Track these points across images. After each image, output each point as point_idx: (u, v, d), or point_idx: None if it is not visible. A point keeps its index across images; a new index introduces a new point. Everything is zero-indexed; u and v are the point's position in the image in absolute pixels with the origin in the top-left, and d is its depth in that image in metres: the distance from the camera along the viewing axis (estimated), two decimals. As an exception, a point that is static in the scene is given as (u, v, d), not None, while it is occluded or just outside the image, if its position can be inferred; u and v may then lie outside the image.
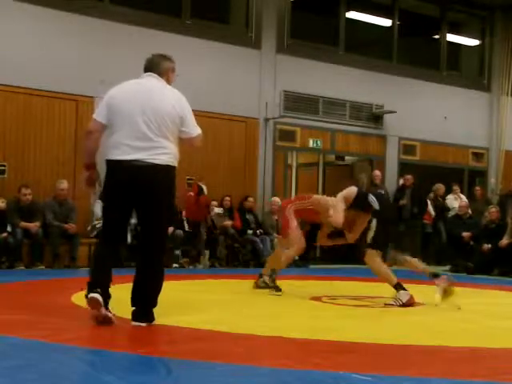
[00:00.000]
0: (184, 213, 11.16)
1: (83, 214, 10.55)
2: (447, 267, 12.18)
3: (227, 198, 11.76)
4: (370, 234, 6.51)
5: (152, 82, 4.61)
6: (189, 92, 13.55)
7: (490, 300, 7.59)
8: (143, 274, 4.55)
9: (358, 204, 6.57)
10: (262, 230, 11.90)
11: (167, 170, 4.50)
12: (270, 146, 12.75)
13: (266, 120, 12.62)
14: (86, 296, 4.42)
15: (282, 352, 3.99)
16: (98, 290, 4.39)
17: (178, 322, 4.75)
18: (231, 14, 13.13)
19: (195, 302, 6.23)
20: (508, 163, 15.39)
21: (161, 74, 4.65)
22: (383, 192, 6.90)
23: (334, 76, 13.36)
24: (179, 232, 10.95)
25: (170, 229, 10.82)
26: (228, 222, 11.59)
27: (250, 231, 11.81)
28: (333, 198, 6.93)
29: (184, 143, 4.66)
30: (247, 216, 11.94)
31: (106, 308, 4.44)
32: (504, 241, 11.30)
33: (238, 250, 11.68)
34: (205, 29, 12.08)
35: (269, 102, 12.57)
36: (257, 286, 7.42)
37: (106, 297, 4.45)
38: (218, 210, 11.59)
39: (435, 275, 6.46)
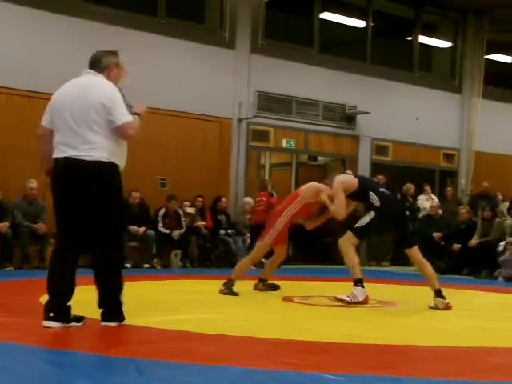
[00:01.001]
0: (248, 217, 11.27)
1: (52, 214, 10.41)
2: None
3: (199, 199, 11.71)
4: (362, 221, 6.31)
5: (86, 78, 4.55)
6: (162, 91, 13.57)
7: (461, 300, 7.65)
8: (97, 275, 4.47)
9: (358, 198, 6.44)
10: (234, 231, 11.87)
11: (99, 165, 4.37)
12: (243, 146, 12.73)
13: (240, 120, 12.59)
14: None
15: (254, 352, 3.97)
16: (51, 314, 4.33)
17: (148, 322, 4.72)
18: (206, 13, 13.08)
19: (166, 302, 6.19)
20: (478, 164, 15.55)
21: (101, 70, 4.56)
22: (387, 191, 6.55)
23: (307, 76, 13.38)
24: (151, 232, 10.88)
25: (142, 229, 10.78)
26: (200, 223, 11.54)
27: (222, 231, 11.78)
28: (322, 184, 6.85)
29: (117, 134, 4.44)
30: (220, 216, 11.90)
31: (69, 321, 4.39)
32: (473, 241, 11.42)
33: (210, 250, 11.64)
34: (180, 28, 12.03)
35: (242, 102, 12.55)
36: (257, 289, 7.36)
37: (66, 312, 4.40)
38: (189, 209, 11.54)
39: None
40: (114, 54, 4.69)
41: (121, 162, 4.56)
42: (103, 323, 4.45)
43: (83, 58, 4.51)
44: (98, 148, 4.36)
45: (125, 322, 4.50)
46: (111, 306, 4.48)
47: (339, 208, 6.33)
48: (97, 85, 4.48)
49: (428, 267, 6.37)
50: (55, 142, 4.46)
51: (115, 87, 4.51)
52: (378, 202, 6.24)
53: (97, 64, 4.59)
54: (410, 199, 13.56)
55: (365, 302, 6.16)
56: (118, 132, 4.42)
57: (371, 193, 6.29)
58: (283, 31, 13.61)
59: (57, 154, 4.44)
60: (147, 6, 12.11)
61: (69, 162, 4.37)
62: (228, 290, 6.88)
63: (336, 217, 6.45)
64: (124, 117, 4.41)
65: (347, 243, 6.31)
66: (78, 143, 4.36)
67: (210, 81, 12.24)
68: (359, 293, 6.17)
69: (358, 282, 6.22)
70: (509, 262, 10.32)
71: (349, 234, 6.34)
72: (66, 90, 4.55)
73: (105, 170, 4.40)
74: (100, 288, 4.47)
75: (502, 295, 8.35)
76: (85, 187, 4.37)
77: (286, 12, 14.12)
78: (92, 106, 4.37)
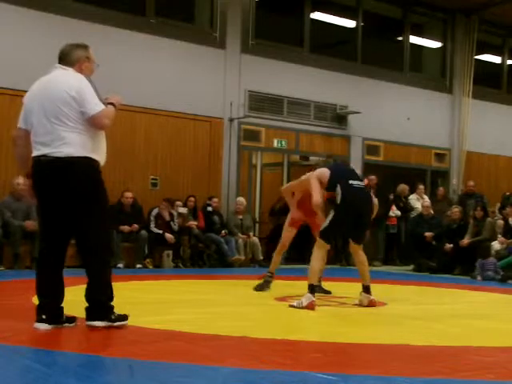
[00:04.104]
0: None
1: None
2: (410, 267, 12.34)
3: (191, 199, 11.71)
4: (324, 224, 6.21)
5: (54, 73, 4.47)
6: (153, 91, 13.57)
7: (451, 299, 7.69)
8: (86, 273, 4.40)
9: (330, 190, 6.26)
10: (226, 231, 11.87)
11: (73, 161, 4.26)
12: (234, 146, 12.73)
13: (231, 120, 12.59)
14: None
15: (246, 352, 3.97)
16: (44, 316, 4.31)
17: (141, 322, 4.71)
18: (196, 13, 13.07)
19: (158, 302, 6.18)
20: (469, 164, 15.63)
21: (71, 64, 4.47)
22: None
23: (298, 76, 13.40)
24: (143, 232, 10.86)
25: (135, 226, 10.73)
26: (192, 223, 11.54)
27: (214, 231, 11.77)
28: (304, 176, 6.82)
29: (92, 125, 4.31)
30: (212, 216, 11.90)
31: (62, 322, 4.37)
32: (465, 240, 11.46)
33: (203, 250, 11.64)
34: (169, 28, 12.01)
35: (233, 102, 12.55)
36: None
37: (57, 313, 4.37)
38: (182, 209, 11.53)
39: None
40: (84, 47, 4.60)
41: (99, 157, 4.43)
42: (87, 322, 4.34)
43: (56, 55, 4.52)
44: (71, 143, 4.26)
45: (121, 323, 4.41)
46: (96, 305, 4.35)
47: (314, 194, 6.25)
48: (62, 78, 4.38)
49: (366, 265, 6.44)
50: (32, 142, 4.39)
51: (83, 78, 4.39)
52: (340, 198, 6.11)
53: (65, 58, 4.50)
54: (404, 199, 13.61)
55: (309, 307, 5.88)
56: (92, 122, 4.30)
57: (338, 186, 6.17)
58: (274, 31, 13.61)
59: (33, 153, 4.37)
60: (136, 5, 12.07)
61: (42, 160, 4.30)
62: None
63: (315, 204, 6.28)
64: (97, 106, 4.29)
65: (315, 248, 6.25)
66: (50, 140, 4.28)
67: (201, 80, 12.23)
68: (306, 299, 5.92)
69: (311, 288, 6.00)
70: (489, 265, 10.37)
71: (317, 240, 6.28)
72: (34, 88, 4.48)
73: (79, 166, 4.28)
74: (88, 286, 4.38)
75: (490, 294, 8.39)
76: (61, 184, 4.28)
77: (276, 12, 14.14)
78: (60, 100, 4.27)
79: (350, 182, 6.27)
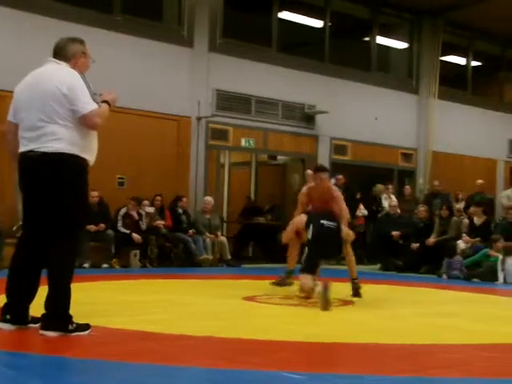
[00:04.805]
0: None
1: (9, 213, 10.23)
2: (378, 266, 12.43)
3: (158, 198, 11.63)
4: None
5: (46, 67, 4.34)
6: (120, 89, 13.37)
7: (418, 297, 7.76)
8: (48, 278, 4.19)
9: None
10: (194, 230, 11.82)
11: (59, 157, 4.12)
12: (202, 145, 12.68)
13: (199, 119, 12.55)
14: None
15: (214, 352, 3.96)
16: (8, 316, 4.21)
17: (108, 322, 4.66)
18: (163, 11, 12.99)
19: (126, 302, 6.13)
20: (435, 163, 15.80)
21: (67, 58, 4.32)
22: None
23: (266, 76, 13.41)
24: (110, 232, 10.77)
25: (102, 226, 10.65)
26: (160, 222, 11.47)
27: (182, 231, 11.71)
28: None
29: (83, 124, 4.17)
30: (179, 216, 11.84)
31: (26, 323, 4.27)
32: (431, 239, 11.59)
33: (170, 249, 11.58)
34: (136, 26, 11.92)
35: (201, 101, 12.50)
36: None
37: (23, 314, 4.26)
38: (149, 209, 11.46)
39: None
40: (80, 41, 4.47)
41: (89, 155, 4.29)
42: (40, 331, 4.10)
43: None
44: (59, 139, 4.12)
45: (80, 333, 4.18)
46: (53, 315, 4.14)
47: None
48: (54, 73, 4.24)
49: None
50: (19, 137, 4.27)
51: (76, 74, 4.26)
52: (310, 234, 6.69)
53: (60, 52, 4.36)
54: (378, 200, 13.71)
55: None
56: (84, 122, 4.17)
57: (310, 226, 6.73)
58: (242, 30, 13.60)
59: (20, 149, 4.25)
60: (103, 2, 11.96)
61: (29, 155, 4.18)
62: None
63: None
64: (88, 105, 4.15)
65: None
66: (38, 135, 4.15)
67: (168, 79, 12.17)
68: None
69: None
70: (455, 263, 10.52)
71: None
72: (25, 81, 4.35)
73: (63, 162, 4.14)
74: (48, 294, 4.17)
75: (456, 292, 8.49)
76: (43, 180, 4.15)
77: (244, 11, 14.13)
78: (51, 96, 4.14)
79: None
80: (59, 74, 4.23)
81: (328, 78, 14.28)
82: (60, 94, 4.14)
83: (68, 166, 4.17)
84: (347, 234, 6.80)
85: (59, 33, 10.68)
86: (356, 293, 6.96)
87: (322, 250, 6.67)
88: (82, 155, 4.23)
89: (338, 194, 7.11)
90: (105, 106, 4.29)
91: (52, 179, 4.16)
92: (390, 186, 14.08)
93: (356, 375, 3.43)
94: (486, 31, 16.51)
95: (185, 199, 11.98)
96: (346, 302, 6.57)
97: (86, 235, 10.40)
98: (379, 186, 13.86)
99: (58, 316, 4.15)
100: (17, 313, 4.27)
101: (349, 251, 7.08)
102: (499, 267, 9.92)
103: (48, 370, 3.38)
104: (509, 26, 15.83)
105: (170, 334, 4.38)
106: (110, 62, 11.44)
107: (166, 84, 12.11)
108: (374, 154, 15.10)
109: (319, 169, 7.34)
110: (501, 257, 9.97)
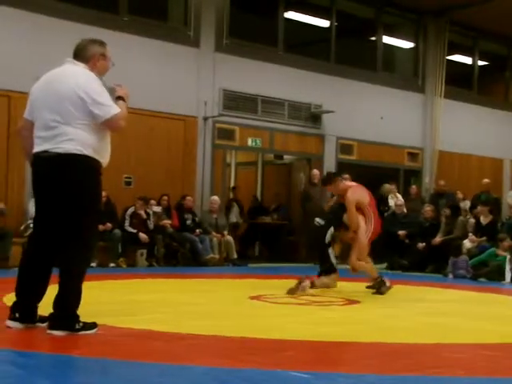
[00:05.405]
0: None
1: (17, 212, 10.30)
2: (383, 265, 12.42)
3: (165, 197, 11.66)
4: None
5: (63, 67, 4.35)
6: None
7: (423, 297, 7.76)
8: (59, 279, 4.21)
9: None
10: (201, 230, 11.85)
11: (71, 158, 4.12)
12: (208, 145, 12.71)
13: (205, 119, 12.57)
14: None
15: (220, 351, 3.98)
16: (17, 315, 4.25)
17: (114, 321, 4.69)
18: (169, 11, 13.02)
19: (132, 301, 6.16)
20: (441, 163, 15.78)
21: (85, 60, 4.33)
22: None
23: (272, 75, 13.41)
24: (117, 231, 10.81)
25: (108, 225, 10.68)
26: (167, 221, 11.50)
27: (188, 230, 11.74)
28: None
29: (106, 128, 4.24)
30: (186, 215, 11.87)
31: (34, 322, 4.30)
32: (437, 239, 11.58)
33: (177, 249, 11.61)
34: (143, 26, 11.94)
35: (208, 101, 12.52)
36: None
37: (31, 312, 4.30)
38: (156, 208, 11.49)
39: None
40: (100, 43, 4.47)
41: (103, 157, 4.30)
42: (48, 331, 4.14)
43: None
44: (74, 140, 4.13)
45: (87, 332, 4.22)
46: (61, 314, 4.16)
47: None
48: (71, 74, 4.24)
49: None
50: (34, 136, 4.28)
51: (92, 76, 4.26)
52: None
53: (79, 53, 4.37)
54: (385, 200, 13.69)
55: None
56: (109, 126, 4.21)
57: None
58: (248, 30, 13.61)
59: (35, 149, 4.26)
60: (109, 3, 11.98)
61: (42, 156, 4.19)
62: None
63: None
64: (112, 109, 4.18)
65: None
66: (53, 136, 4.16)
67: (175, 79, 12.19)
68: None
69: None
70: (462, 263, 10.51)
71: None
72: (42, 81, 4.36)
73: (79, 164, 4.15)
74: (57, 294, 4.20)
75: (461, 292, 8.48)
76: (58, 182, 4.16)
77: (250, 11, 14.14)
78: (67, 98, 4.14)
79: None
80: (76, 76, 4.23)
81: (334, 77, 14.27)
82: (76, 97, 4.15)
83: (81, 168, 4.18)
84: (343, 234, 7.01)
85: (64, 33, 10.85)
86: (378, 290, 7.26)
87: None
88: (96, 157, 4.24)
89: (347, 198, 7.23)
90: (123, 104, 4.33)
91: (65, 180, 4.17)
92: (393, 186, 14.04)
93: (358, 374, 3.44)
94: (492, 31, 16.46)
95: (190, 198, 11.99)
96: (351, 302, 6.59)
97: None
98: (386, 186, 13.83)
99: (65, 315, 4.18)
100: (26, 311, 4.31)
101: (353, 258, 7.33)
102: (507, 266, 9.90)
103: (55, 369, 3.40)
104: (515, 26, 15.80)
105: (176, 333, 4.41)
106: (116, 63, 11.42)
107: (172, 84, 12.14)
108: (380, 153, 15.08)
109: (322, 183, 7.84)
110: (509, 256, 9.96)
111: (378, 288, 7.31)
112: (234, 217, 13.40)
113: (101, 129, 4.26)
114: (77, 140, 4.15)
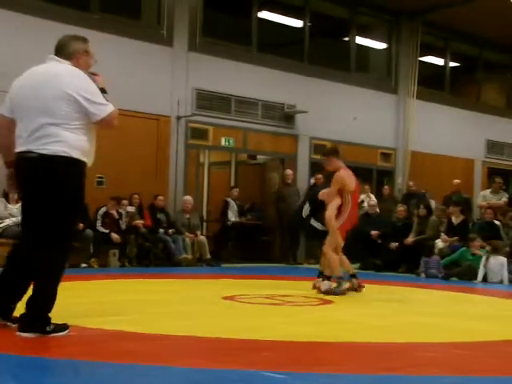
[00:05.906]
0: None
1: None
2: (356, 265, 12.47)
3: (136, 196, 11.56)
4: None
5: (49, 65, 4.23)
6: (99, 88, 13.02)
7: (397, 296, 7.80)
8: (34, 281, 4.16)
9: None
10: (173, 229, 11.78)
11: (56, 160, 4.03)
12: (182, 145, 12.64)
13: (178, 118, 12.51)
14: None
15: (194, 351, 3.94)
16: None
17: (87, 322, 4.63)
18: (143, 9, 12.92)
19: (104, 302, 6.10)
20: (414, 163, 15.90)
21: (68, 56, 4.24)
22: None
23: (246, 75, 13.40)
24: (89, 232, 10.69)
25: (80, 225, 10.56)
26: (139, 221, 11.41)
27: (161, 230, 11.67)
28: None
29: (98, 127, 4.23)
30: (158, 215, 11.80)
31: (8, 320, 4.24)
32: (409, 239, 11.66)
33: (149, 249, 11.52)
34: (114, 24, 11.83)
35: (181, 100, 12.46)
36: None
37: (8, 310, 4.25)
38: (130, 208, 11.40)
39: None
40: (83, 39, 4.39)
41: (88, 158, 4.24)
42: (17, 333, 4.05)
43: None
44: (59, 141, 4.04)
45: (58, 334, 4.11)
46: (31, 313, 4.09)
47: None
48: (62, 74, 4.14)
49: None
50: (16, 135, 4.16)
51: (82, 74, 4.19)
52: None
53: (62, 49, 4.26)
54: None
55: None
56: (103, 124, 4.16)
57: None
58: (221, 29, 13.58)
59: (18, 148, 4.14)
60: (80, 0, 11.84)
61: (25, 156, 4.08)
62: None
63: None
64: (108, 107, 4.14)
65: None
66: (38, 137, 4.05)
67: (148, 78, 12.10)
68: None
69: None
70: (433, 262, 10.59)
71: None
72: (27, 79, 4.22)
73: (63, 165, 4.07)
74: (31, 295, 4.12)
75: (434, 291, 8.55)
76: (40, 182, 4.07)
77: (223, 10, 14.09)
78: (60, 99, 4.04)
79: None
80: (64, 75, 4.14)
81: (308, 77, 14.30)
82: (70, 97, 4.06)
83: (65, 170, 4.09)
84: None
85: (36, 31, 10.68)
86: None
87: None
88: (82, 158, 4.17)
89: (338, 174, 7.41)
90: (111, 105, 4.23)
91: (47, 182, 4.08)
92: (366, 187, 14.11)
93: (336, 374, 3.43)
94: (464, 32, 16.65)
95: (161, 198, 11.91)
96: (325, 301, 6.59)
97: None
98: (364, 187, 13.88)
99: (36, 317, 4.10)
100: (2, 307, 4.24)
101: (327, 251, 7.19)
102: (481, 266, 9.97)
103: (24, 371, 3.34)
104: (486, 28, 15.98)
105: (149, 334, 4.36)
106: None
107: (145, 83, 12.04)
108: (353, 153, 15.09)
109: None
110: (484, 256, 10.03)
111: (335, 287, 7.20)
112: (233, 216, 13.33)
113: (90, 129, 4.20)
114: (65, 142, 4.06)
